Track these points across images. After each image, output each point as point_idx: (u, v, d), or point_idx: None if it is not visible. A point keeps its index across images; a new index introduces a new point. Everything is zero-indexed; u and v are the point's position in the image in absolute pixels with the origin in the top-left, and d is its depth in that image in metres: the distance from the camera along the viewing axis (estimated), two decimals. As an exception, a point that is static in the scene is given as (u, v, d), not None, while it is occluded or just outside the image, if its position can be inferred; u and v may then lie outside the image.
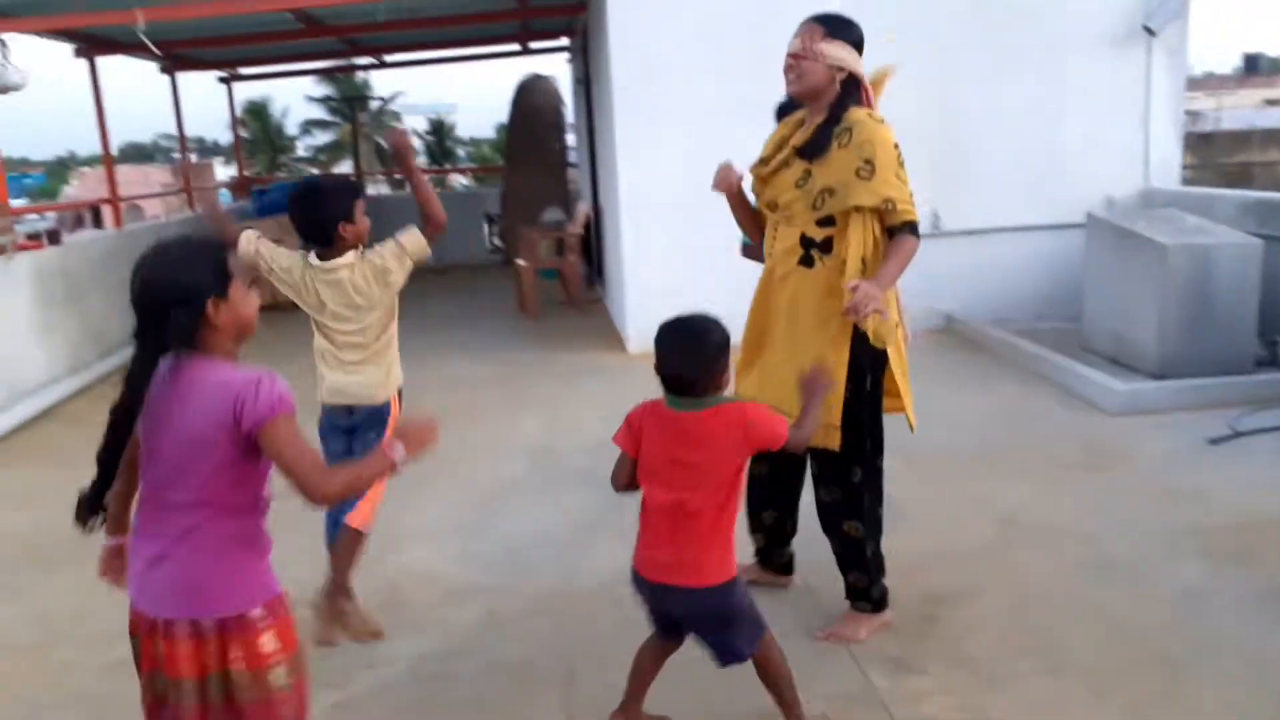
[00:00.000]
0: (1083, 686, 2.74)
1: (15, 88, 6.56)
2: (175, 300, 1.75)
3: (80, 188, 41.93)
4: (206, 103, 12.09)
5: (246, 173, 14.66)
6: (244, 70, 11.90)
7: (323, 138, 43.97)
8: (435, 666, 3.06)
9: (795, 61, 2.89)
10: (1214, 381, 5.33)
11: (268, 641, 1.80)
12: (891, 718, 2.65)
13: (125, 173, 48.88)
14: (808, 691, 2.61)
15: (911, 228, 2.83)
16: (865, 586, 3.07)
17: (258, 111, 44.30)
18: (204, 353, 1.80)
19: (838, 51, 2.86)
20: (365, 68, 12.88)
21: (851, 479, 2.97)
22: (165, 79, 10.52)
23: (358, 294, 3.08)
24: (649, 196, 6.78)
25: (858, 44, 2.91)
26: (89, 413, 6.20)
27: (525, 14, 9.41)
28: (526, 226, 9.46)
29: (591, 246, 9.71)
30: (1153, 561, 3.47)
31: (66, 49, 8.33)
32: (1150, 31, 6.99)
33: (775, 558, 3.39)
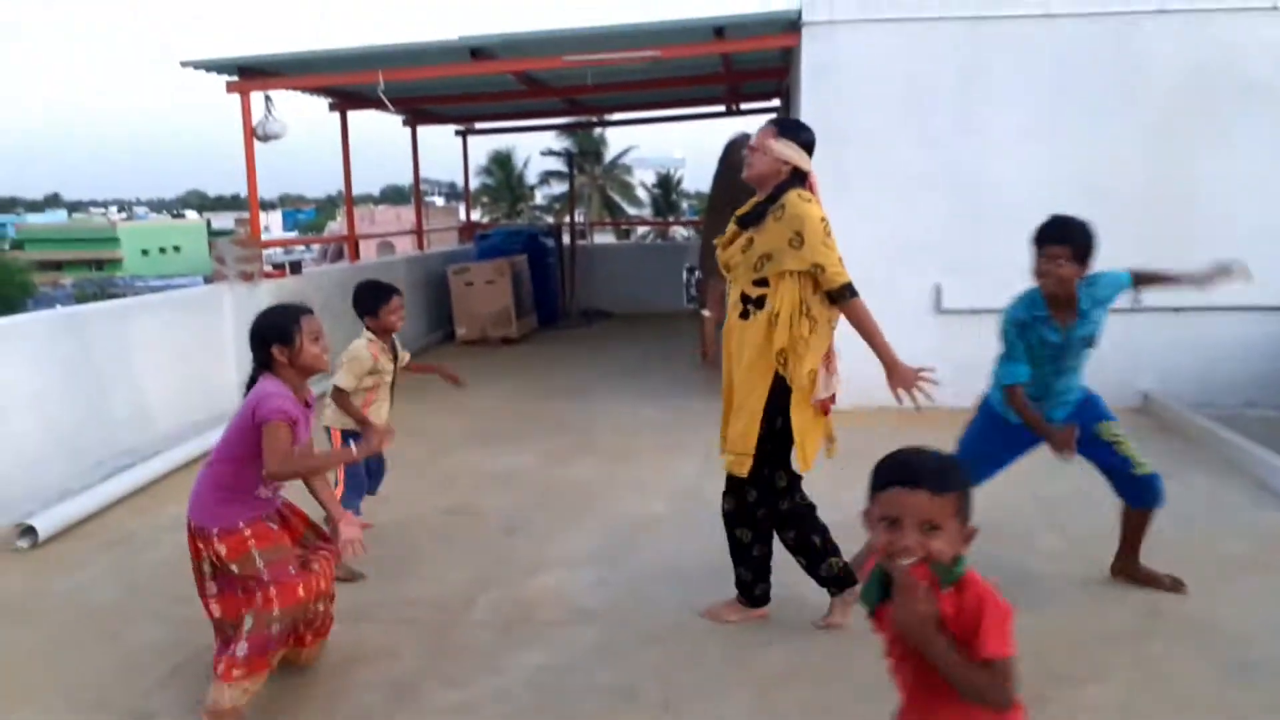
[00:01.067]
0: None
1: (276, 136, 7.58)
2: (256, 341, 3.16)
3: (343, 224, 46.27)
4: (457, 152, 13.25)
5: (475, 218, 15.87)
6: (479, 125, 13.00)
7: (559, 188, 46.52)
8: (549, 679, 3.29)
9: (749, 152, 3.47)
10: None
11: (220, 548, 3.05)
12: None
13: (382, 213, 53.67)
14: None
15: (850, 289, 3.34)
16: (749, 581, 3.66)
17: (502, 162, 47.68)
18: (274, 373, 3.15)
19: (785, 150, 3.39)
20: (585, 125, 13.72)
21: (747, 497, 3.54)
22: (410, 131, 11.69)
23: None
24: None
25: (807, 145, 3.45)
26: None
27: (732, 78, 9.78)
28: (715, 279, 9.73)
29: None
30: (1308, 671, 3.21)
31: (324, 103, 9.50)
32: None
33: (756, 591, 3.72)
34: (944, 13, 6.78)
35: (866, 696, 3.10)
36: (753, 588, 3.68)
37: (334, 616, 3.40)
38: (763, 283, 3.38)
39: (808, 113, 7.00)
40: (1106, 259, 6.77)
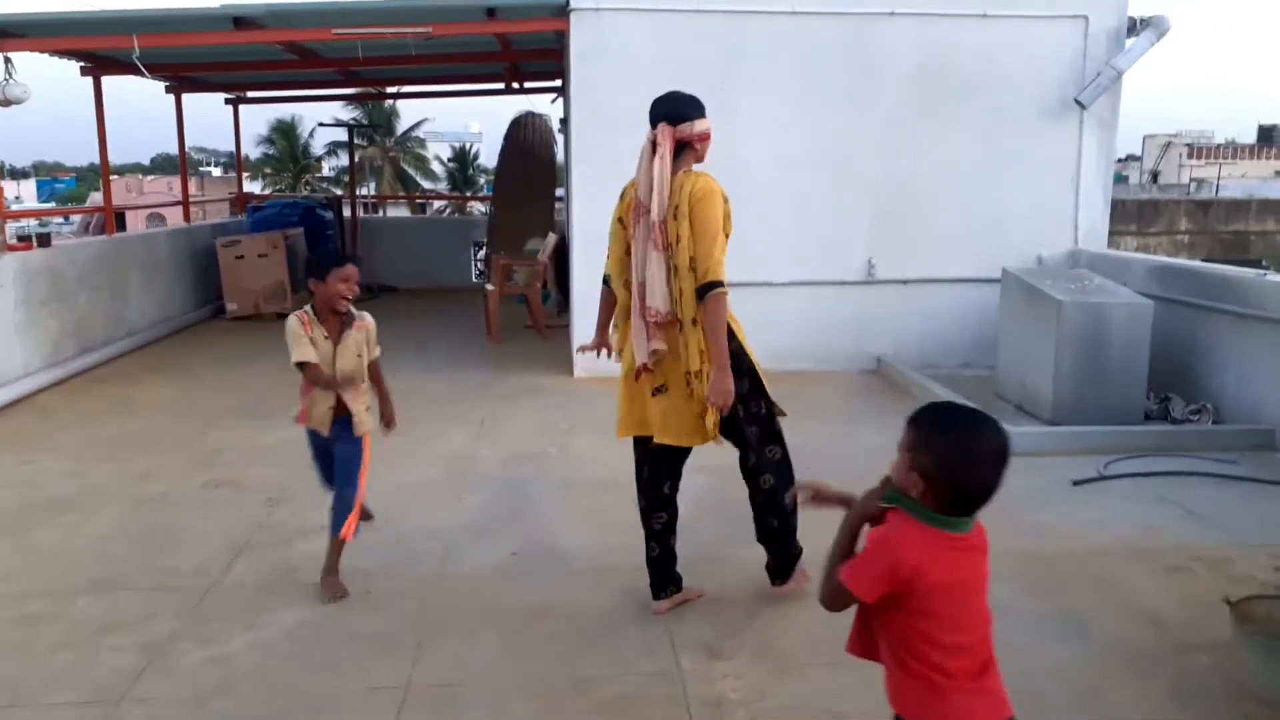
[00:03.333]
0: (854, 679, 3.09)
1: (18, 101, 7.11)
2: None
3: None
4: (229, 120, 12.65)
5: (257, 190, 15.23)
6: (251, 94, 12.52)
7: (346, 159, 44.83)
8: (307, 632, 3.45)
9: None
10: (1097, 430, 5.69)
11: None
12: (685, 695, 3.03)
13: (151, 183, 49.82)
14: (624, 667, 3.00)
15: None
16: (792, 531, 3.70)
17: (286, 131, 45.46)
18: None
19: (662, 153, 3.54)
20: (366, 97, 13.47)
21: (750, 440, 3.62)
22: (175, 99, 11.11)
23: None
24: (602, 238, 7.22)
25: (669, 117, 3.65)
26: (57, 403, 6.66)
27: (511, 56, 9.95)
28: (500, 255, 9.94)
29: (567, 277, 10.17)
30: (971, 582, 3.83)
31: (75, 67, 8.93)
32: (1081, 105, 7.42)
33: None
34: (702, 6, 7.25)
35: (601, 628, 3.47)
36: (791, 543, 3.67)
37: None
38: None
39: (577, 95, 7.33)
40: (848, 235, 7.58)
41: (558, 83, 12.04)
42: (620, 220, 3.65)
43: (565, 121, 10.16)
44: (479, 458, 5.44)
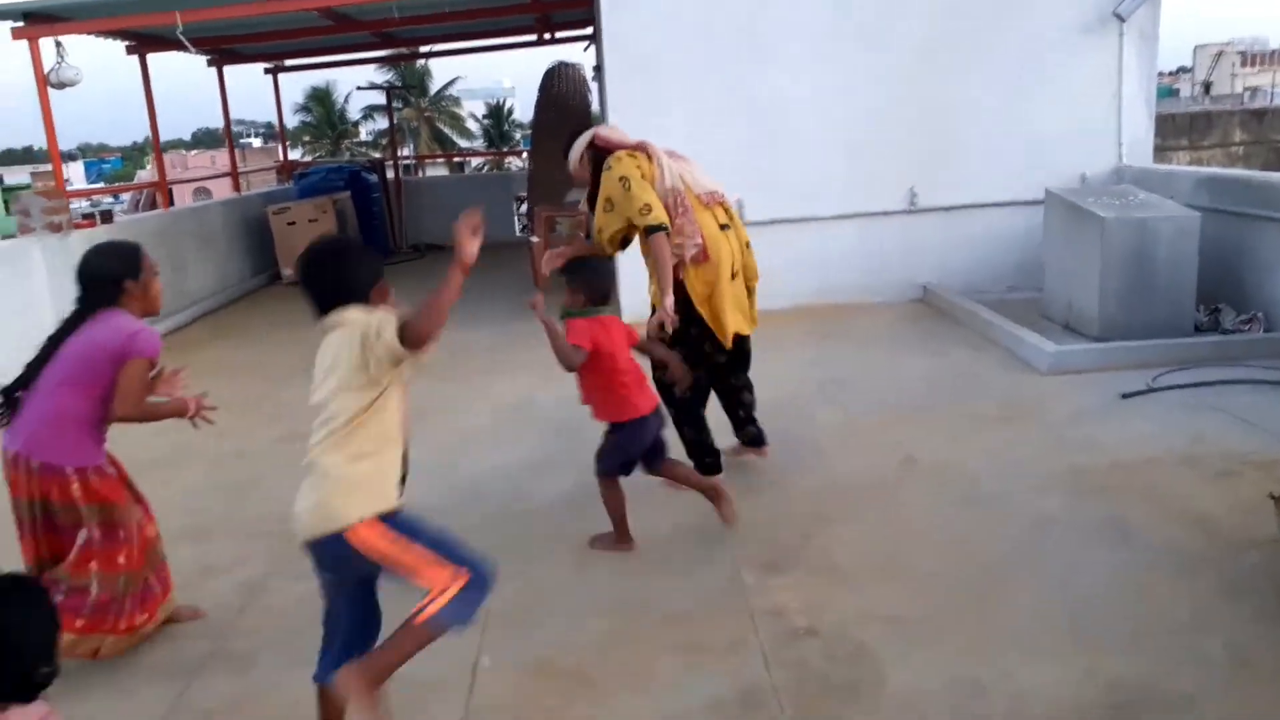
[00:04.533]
0: (908, 589, 3.26)
1: (71, 83, 7.35)
2: (101, 275, 3.01)
3: (152, 172, 43.67)
4: (271, 91, 12.84)
5: (295, 157, 15.46)
6: (289, 62, 12.69)
7: (384, 122, 45.09)
8: (389, 568, 3.68)
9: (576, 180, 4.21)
10: (1144, 344, 5.71)
11: (75, 487, 2.92)
12: (749, 605, 3.20)
13: (195, 158, 50.46)
14: (689, 584, 3.20)
15: (650, 229, 3.85)
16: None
17: (321, 98, 45.73)
18: (121, 308, 3.00)
19: (576, 154, 4.06)
20: (400, 58, 13.55)
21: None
22: (217, 72, 11.33)
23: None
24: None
25: (576, 134, 4.09)
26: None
27: (542, 7, 9.98)
28: (542, 207, 10.05)
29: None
30: (1020, 497, 3.93)
31: (120, 47, 9.15)
32: (1120, 18, 7.29)
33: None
34: (730, -57, 7.23)
35: (666, 549, 3.66)
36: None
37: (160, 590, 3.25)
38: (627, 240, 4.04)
39: (609, 42, 7.37)
40: (884, 172, 7.58)
41: (589, 31, 12.04)
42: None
43: (599, 69, 10.20)
44: (535, 401, 5.63)
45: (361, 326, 2.26)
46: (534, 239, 9.54)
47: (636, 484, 4.30)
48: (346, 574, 2.38)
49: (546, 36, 12.06)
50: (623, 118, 7.35)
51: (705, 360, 4.07)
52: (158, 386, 3.19)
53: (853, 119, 7.53)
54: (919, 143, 7.54)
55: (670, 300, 3.80)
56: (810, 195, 7.51)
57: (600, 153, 4.01)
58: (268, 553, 3.86)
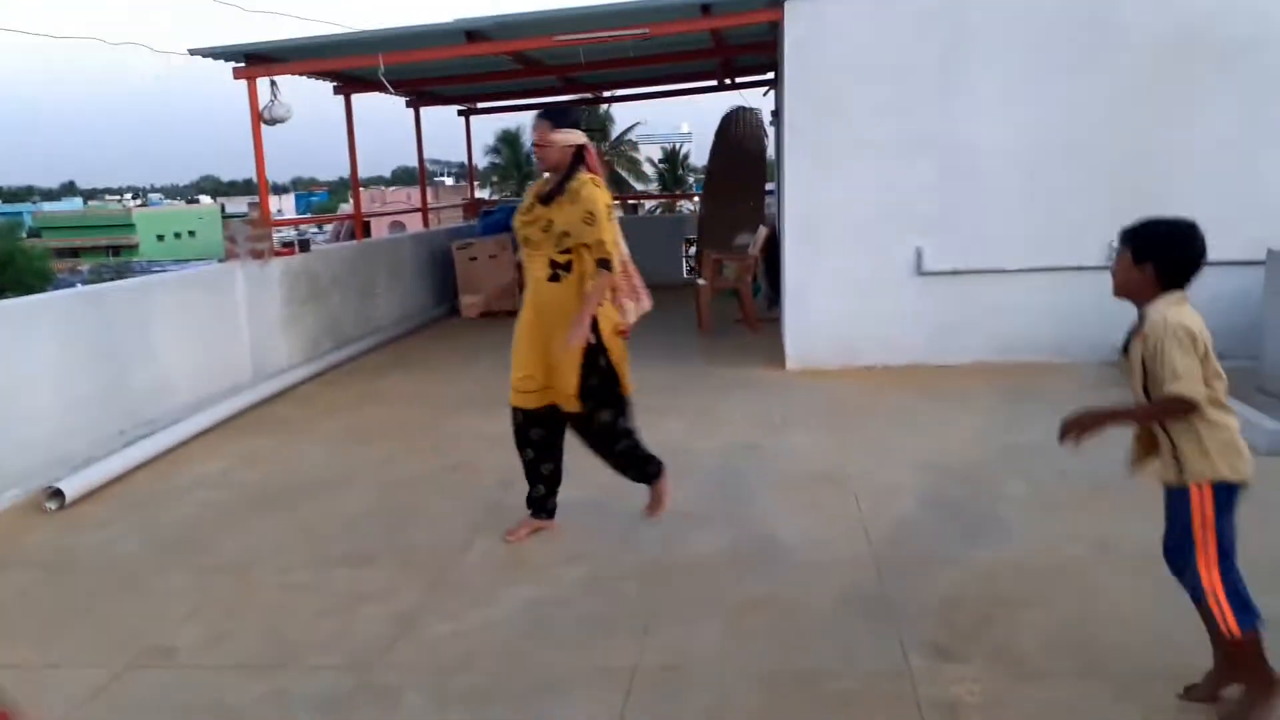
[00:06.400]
0: (1105, 689, 2.89)
1: (282, 120, 7.86)
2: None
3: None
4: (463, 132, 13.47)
5: (484, 196, 16.08)
6: (480, 105, 13.23)
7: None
8: (539, 611, 3.60)
9: (537, 149, 4.01)
10: (1388, 429, 5.02)
11: None
12: (916, 694, 2.92)
13: (393, 193, 53.79)
14: (850, 664, 2.96)
15: (607, 264, 3.95)
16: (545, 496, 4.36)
17: (510, 140, 47.92)
18: None
19: (567, 136, 3.95)
20: (584, 102, 13.86)
21: (599, 421, 4.13)
22: (414, 112, 11.94)
23: None
24: (817, 228, 7.17)
25: (577, 124, 4.03)
26: (316, 394, 7.31)
27: (724, 52, 9.98)
28: (710, 250, 9.99)
29: (777, 270, 10.10)
30: (1239, 592, 3.46)
31: (327, 89, 9.77)
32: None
33: (549, 505, 4.37)
34: (924, -18, 6.99)
35: (825, 621, 3.41)
36: (547, 501, 4.35)
37: None
38: (566, 252, 3.99)
39: (791, 85, 7.23)
40: (1081, 217, 7.08)
41: (769, 76, 11.97)
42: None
43: (777, 114, 10.09)
44: (695, 448, 5.48)
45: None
46: (700, 281, 9.48)
47: (793, 548, 4.09)
48: None
49: (727, 81, 12.07)
50: (801, 162, 7.22)
51: (612, 391, 4.13)
52: None
53: (1049, 164, 7.08)
54: (1121, 192, 6.99)
55: (586, 329, 3.95)
56: (997, 245, 7.10)
57: (579, 161, 4.00)
58: (422, 583, 3.86)
